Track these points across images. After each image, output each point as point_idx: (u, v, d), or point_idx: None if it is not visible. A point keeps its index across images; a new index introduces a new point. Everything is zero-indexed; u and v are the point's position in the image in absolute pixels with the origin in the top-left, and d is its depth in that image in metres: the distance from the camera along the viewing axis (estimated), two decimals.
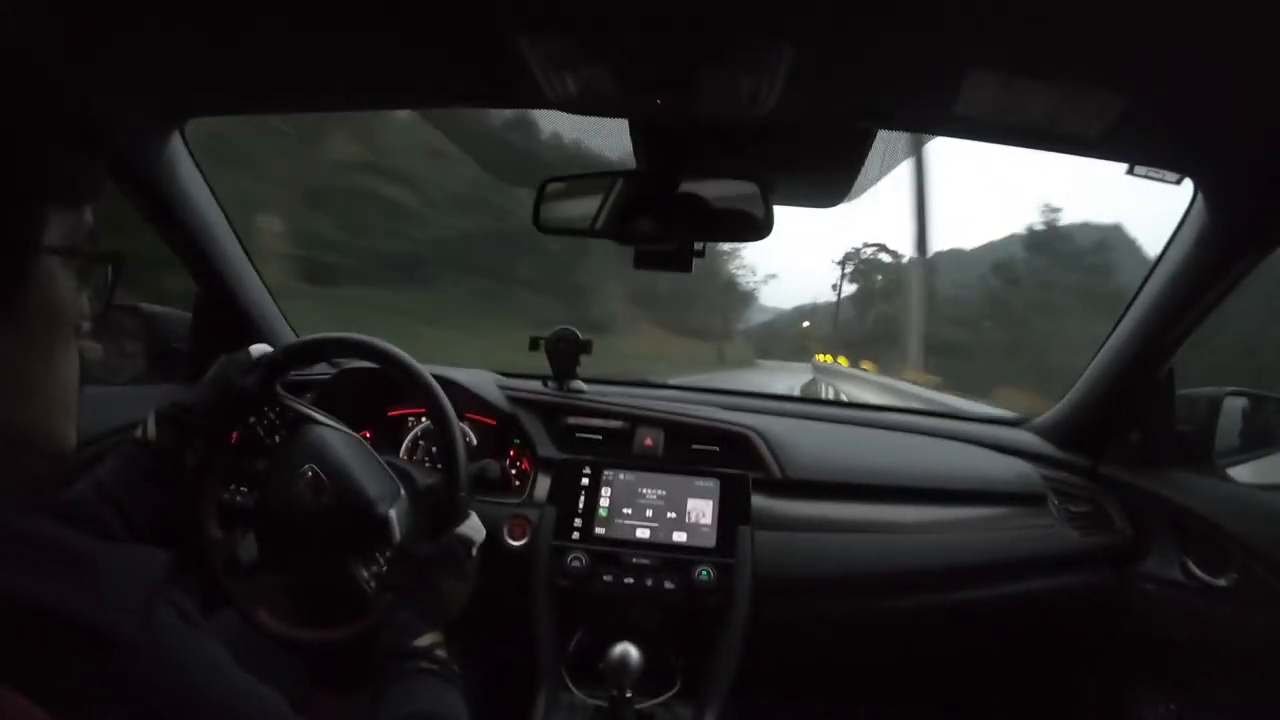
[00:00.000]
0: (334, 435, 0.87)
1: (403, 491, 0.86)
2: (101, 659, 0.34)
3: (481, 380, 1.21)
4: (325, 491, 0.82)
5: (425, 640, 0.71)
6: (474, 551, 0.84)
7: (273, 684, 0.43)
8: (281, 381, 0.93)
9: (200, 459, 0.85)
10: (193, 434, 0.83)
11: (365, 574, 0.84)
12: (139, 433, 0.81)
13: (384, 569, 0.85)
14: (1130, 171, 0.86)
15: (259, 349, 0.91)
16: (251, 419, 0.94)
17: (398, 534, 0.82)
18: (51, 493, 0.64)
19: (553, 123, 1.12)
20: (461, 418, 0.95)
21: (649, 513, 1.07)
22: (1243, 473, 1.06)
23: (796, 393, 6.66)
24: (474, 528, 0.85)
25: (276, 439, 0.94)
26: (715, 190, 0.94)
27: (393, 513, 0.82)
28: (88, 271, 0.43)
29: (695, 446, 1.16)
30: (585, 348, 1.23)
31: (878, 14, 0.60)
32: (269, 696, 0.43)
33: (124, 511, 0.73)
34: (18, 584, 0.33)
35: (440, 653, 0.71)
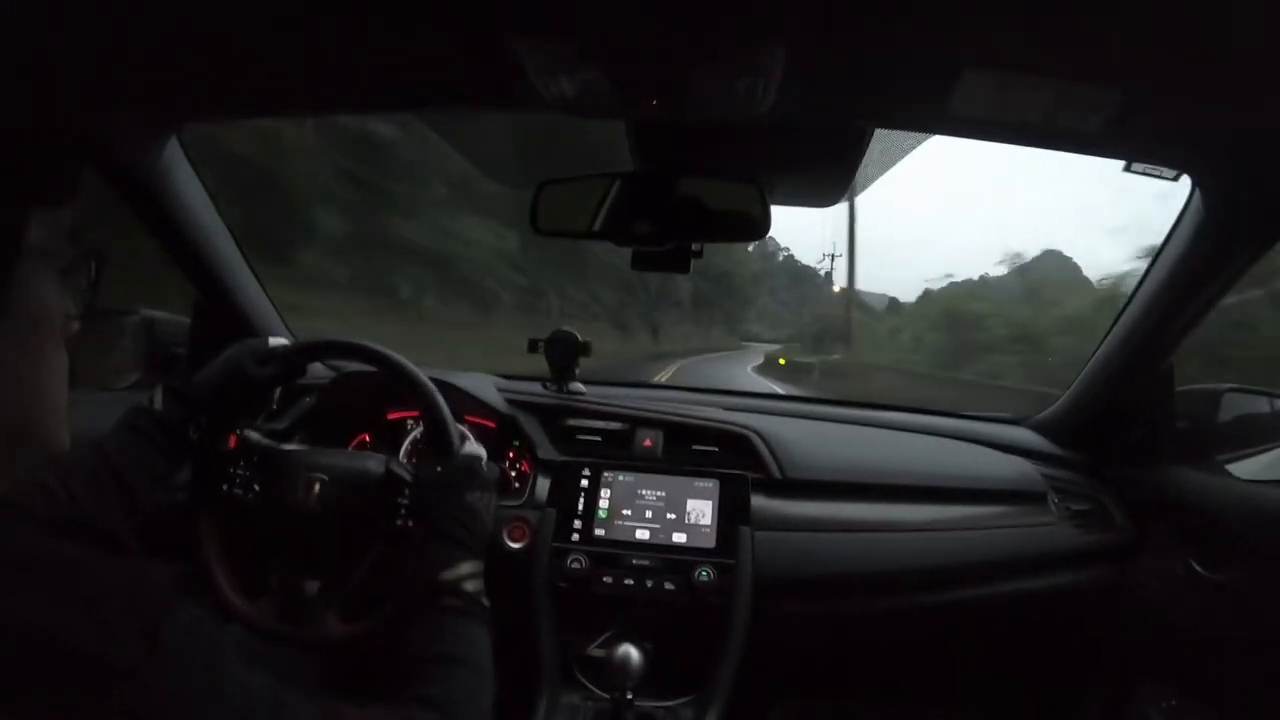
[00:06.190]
0: (305, 451, 0.92)
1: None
2: (106, 690, 0.33)
3: (481, 383, 1.21)
4: (327, 485, 0.86)
5: (460, 571, 0.67)
6: (484, 464, 0.83)
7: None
8: (292, 378, 0.94)
9: (203, 435, 0.85)
10: (198, 410, 0.82)
11: (396, 522, 0.88)
12: (146, 401, 0.81)
13: (409, 503, 0.88)
14: (1128, 168, 0.86)
15: (276, 341, 0.92)
16: (232, 469, 0.93)
17: (406, 473, 0.88)
18: (47, 496, 0.64)
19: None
20: (461, 420, 0.96)
21: (649, 514, 1.07)
22: (1243, 468, 1.05)
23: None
24: (474, 448, 0.86)
25: (255, 486, 0.93)
26: (713, 191, 0.94)
27: (391, 464, 0.88)
28: (70, 271, 0.43)
29: (695, 447, 1.16)
30: (584, 349, 1.23)
31: (873, 14, 0.60)
32: (299, 705, 0.41)
33: (123, 483, 0.72)
34: (17, 610, 0.32)
35: (470, 586, 0.67)
